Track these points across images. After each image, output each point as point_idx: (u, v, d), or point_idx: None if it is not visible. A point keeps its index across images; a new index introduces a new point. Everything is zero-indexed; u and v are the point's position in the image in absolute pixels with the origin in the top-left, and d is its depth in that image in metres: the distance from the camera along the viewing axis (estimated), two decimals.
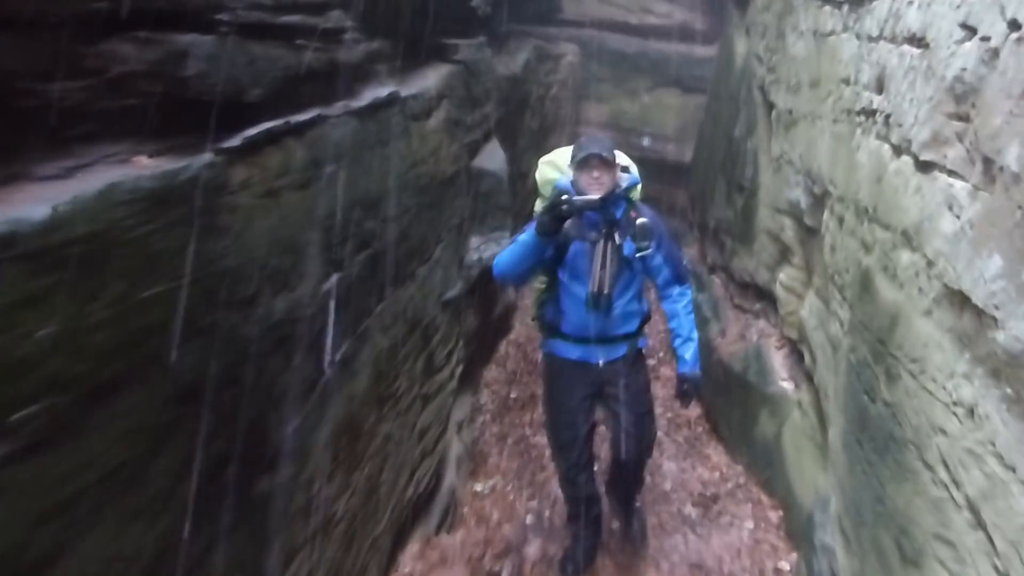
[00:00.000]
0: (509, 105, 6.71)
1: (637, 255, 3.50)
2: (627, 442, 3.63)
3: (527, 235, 3.41)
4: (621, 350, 3.68)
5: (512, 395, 5.78)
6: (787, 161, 4.41)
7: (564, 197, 3.23)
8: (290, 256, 2.43)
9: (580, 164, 3.40)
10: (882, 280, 2.76)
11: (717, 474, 4.47)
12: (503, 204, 5.40)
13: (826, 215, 3.63)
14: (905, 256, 2.55)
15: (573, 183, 3.46)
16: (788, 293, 4.50)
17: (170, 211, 1.79)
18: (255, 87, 2.25)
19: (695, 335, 3.66)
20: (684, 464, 4.45)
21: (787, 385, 4.42)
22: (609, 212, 3.45)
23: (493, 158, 5.46)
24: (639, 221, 3.49)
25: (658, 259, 3.56)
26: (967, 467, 2.01)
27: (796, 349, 4.38)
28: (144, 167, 1.78)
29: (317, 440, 2.55)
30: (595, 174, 3.37)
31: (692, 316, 3.67)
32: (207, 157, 1.99)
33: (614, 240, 3.47)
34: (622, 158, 3.58)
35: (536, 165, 3.77)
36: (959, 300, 2.14)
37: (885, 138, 2.81)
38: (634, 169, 3.63)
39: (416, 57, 4.15)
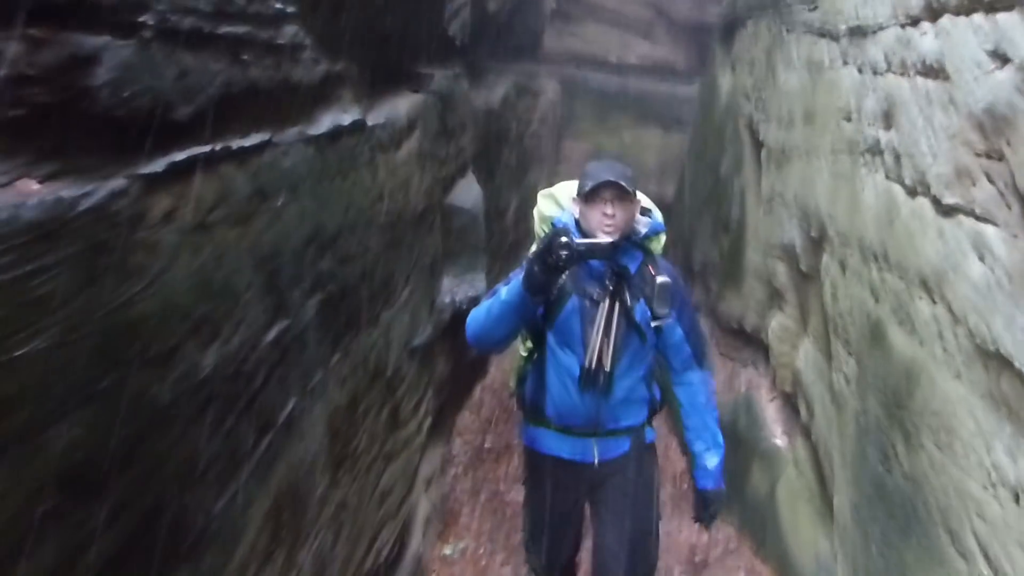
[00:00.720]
0: (486, 140, 6.46)
1: (652, 324, 2.71)
2: (615, 569, 2.84)
3: (511, 288, 2.60)
4: (623, 446, 2.85)
5: (487, 444, 5.42)
6: (780, 201, 4.16)
7: (563, 240, 2.41)
8: (224, 302, 2.10)
9: (589, 195, 2.62)
10: (896, 333, 2.48)
11: (705, 537, 4.13)
12: (478, 243, 5.11)
13: (825, 258, 3.36)
14: (924, 307, 2.27)
15: (578, 222, 2.72)
16: (781, 341, 4.23)
17: (60, 248, 1.46)
18: (185, 104, 1.93)
19: (721, 440, 2.91)
20: (670, 526, 4.11)
21: (780, 441, 4.12)
22: (620, 263, 2.69)
23: (468, 194, 5.18)
24: (659, 280, 2.66)
25: (678, 333, 2.77)
26: (1016, 562, 1.70)
27: (790, 401, 4.09)
28: (30, 193, 1.45)
29: (252, 517, 2.20)
30: (608, 210, 2.60)
31: (716, 413, 2.92)
32: (118, 183, 1.66)
33: (623, 300, 2.68)
34: (644, 199, 2.82)
35: (535, 199, 3.07)
36: (996, 362, 1.85)
37: (897, 177, 2.55)
38: (657, 214, 2.82)
39: (386, 84, 3.87)
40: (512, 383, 3.01)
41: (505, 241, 7.26)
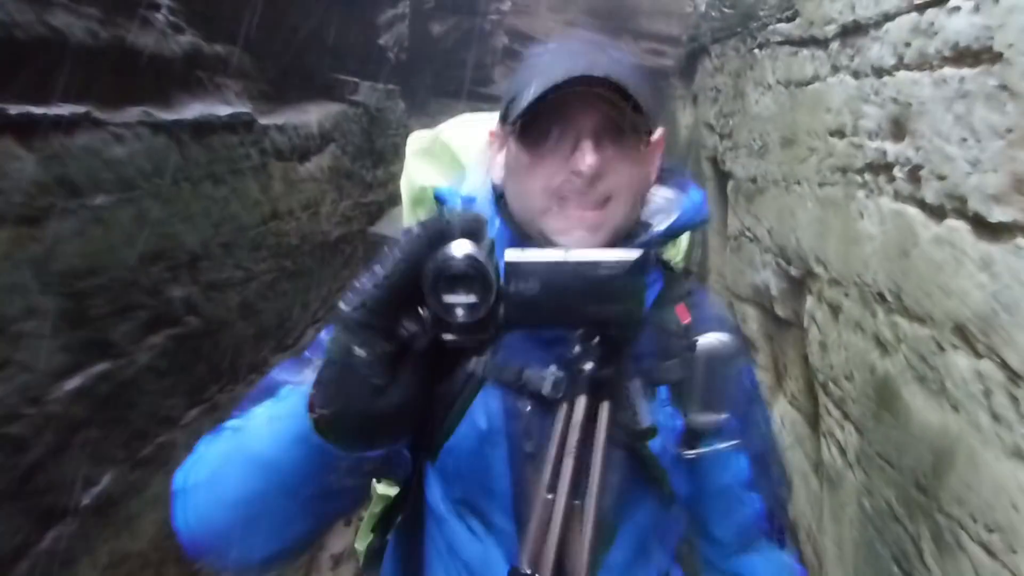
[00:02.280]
0: None
1: (686, 454, 1.03)
2: None
3: (283, 412, 0.81)
4: None
5: None
6: (750, 238, 3.64)
7: (463, 255, 0.69)
8: None
9: (532, 121, 0.97)
10: (916, 394, 1.91)
11: None
12: None
13: (810, 303, 2.82)
14: (961, 362, 1.71)
15: (501, 202, 1.06)
16: None
17: None
18: None
19: None
20: None
21: None
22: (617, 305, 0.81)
23: (400, 225, 4.57)
24: (703, 344, 1.03)
25: (739, 467, 1.09)
26: None
27: None
28: None
29: None
30: (585, 161, 0.95)
31: None
32: None
33: (615, 396, 0.92)
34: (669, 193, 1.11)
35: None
36: None
37: (912, 197, 2.01)
38: (695, 192, 1.10)
39: (294, 86, 3.27)
40: (359, 548, 1.27)
41: None
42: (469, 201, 1.06)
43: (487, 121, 1.14)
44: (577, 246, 0.88)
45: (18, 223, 1.52)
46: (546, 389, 0.96)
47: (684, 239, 1.31)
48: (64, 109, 1.65)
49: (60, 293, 1.64)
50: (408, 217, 1.27)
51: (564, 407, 0.89)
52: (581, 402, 0.87)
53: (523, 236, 1.01)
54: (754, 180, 3.66)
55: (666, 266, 1.17)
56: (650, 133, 1.02)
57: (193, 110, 2.20)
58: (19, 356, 1.53)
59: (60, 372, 1.65)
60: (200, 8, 2.27)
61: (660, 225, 1.04)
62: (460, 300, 0.67)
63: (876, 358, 2.15)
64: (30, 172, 1.55)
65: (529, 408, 0.98)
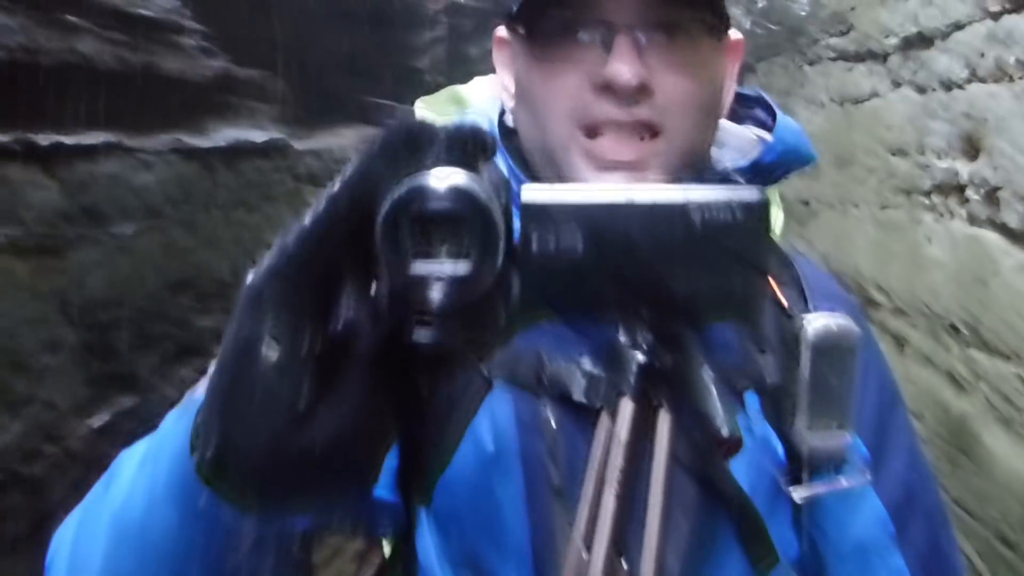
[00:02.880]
0: None
1: (794, 493, 0.63)
2: None
3: (156, 444, 0.50)
4: None
5: None
6: None
7: (451, 185, 0.37)
8: (2, 369, 1.38)
9: (546, 6, 0.65)
10: (1000, 439, 1.75)
11: None
12: None
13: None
14: None
15: (512, 134, 0.73)
16: None
17: None
18: None
19: None
20: None
21: None
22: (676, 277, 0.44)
23: None
24: (812, 329, 0.63)
25: (874, 511, 0.68)
26: None
27: None
28: None
29: None
30: (623, 67, 0.62)
31: None
32: None
33: (685, 401, 0.59)
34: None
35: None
36: None
37: (990, 220, 1.86)
38: (793, 124, 0.73)
39: (330, 109, 3.22)
40: None
41: None
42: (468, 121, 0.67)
43: (488, 82, 0.83)
44: (631, 191, 0.51)
45: (41, 253, 1.45)
46: (578, 393, 0.63)
47: (776, 209, 0.75)
48: (92, 137, 1.59)
49: (84, 325, 1.57)
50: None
51: (605, 418, 0.60)
52: (628, 410, 0.58)
53: (531, 172, 0.70)
54: (806, 203, 3.50)
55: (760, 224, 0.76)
56: (721, 28, 0.67)
57: (225, 136, 2.14)
58: (42, 393, 1.45)
59: (83, 408, 1.58)
60: (232, 32, 2.21)
61: (740, 159, 0.71)
62: (440, 268, 0.36)
63: (950, 396, 1.99)
64: (55, 201, 1.48)
65: (554, 420, 0.64)
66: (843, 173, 3.01)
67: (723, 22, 0.67)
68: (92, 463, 1.60)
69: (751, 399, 0.66)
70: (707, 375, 0.58)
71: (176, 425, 0.46)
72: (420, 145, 0.38)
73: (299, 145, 2.65)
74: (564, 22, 0.64)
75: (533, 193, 0.39)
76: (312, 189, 2.70)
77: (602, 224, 0.39)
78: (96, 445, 1.62)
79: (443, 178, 0.36)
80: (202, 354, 2.01)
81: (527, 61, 0.68)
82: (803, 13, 3.84)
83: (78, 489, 1.56)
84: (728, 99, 0.73)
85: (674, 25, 0.64)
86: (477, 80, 0.85)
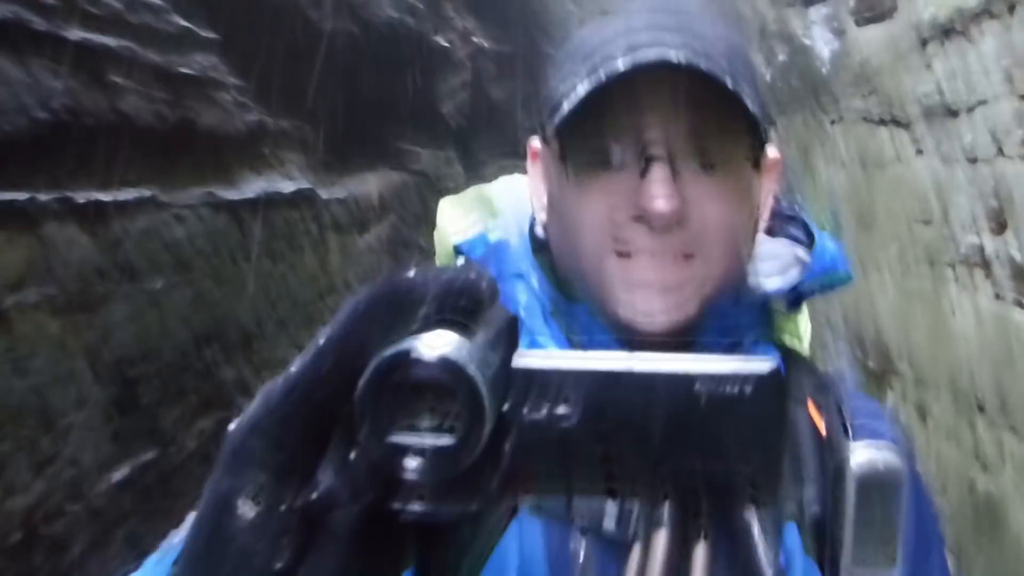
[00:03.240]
0: None
1: None
2: None
3: None
4: None
5: None
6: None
7: (432, 347, 0.34)
8: (29, 429, 1.38)
9: (580, 126, 0.60)
10: None
11: None
12: None
13: (891, 400, 2.63)
14: None
15: (544, 248, 0.68)
16: None
17: None
18: None
19: None
20: None
21: None
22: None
23: None
24: (856, 459, 0.55)
25: None
26: None
27: None
28: None
29: None
30: (659, 194, 0.59)
31: None
32: None
33: (721, 533, 0.53)
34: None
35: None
36: None
37: (1016, 302, 1.85)
38: (831, 245, 0.68)
39: (356, 156, 3.26)
40: None
41: None
42: (499, 250, 0.72)
43: (518, 182, 0.80)
44: (647, 315, 0.59)
45: (73, 311, 1.47)
46: (609, 522, 0.60)
47: (805, 318, 0.79)
48: (129, 194, 1.61)
49: (111, 381, 1.58)
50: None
51: (637, 551, 0.57)
52: (662, 543, 0.56)
53: (570, 299, 0.70)
54: None
55: (785, 350, 0.73)
56: (759, 149, 0.67)
57: (256, 187, 2.17)
58: (67, 450, 1.46)
59: (107, 464, 1.58)
60: (266, 84, 2.25)
61: (778, 280, 0.70)
62: (421, 440, 0.36)
63: (976, 474, 1.97)
64: (90, 258, 1.50)
65: (583, 552, 0.61)
66: (865, 236, 3.01)
67: (763, 142, 0.65)
68: (112, 520, 1.60)
69: (791, 531, 0.63)
70: (748, 510, 0.55)
71: (153, 573, 0.46)
72: (410, 304, 0.37)
73: (325, 193, 2.68)
74: (600, 146, 0.63)
75: (525, 359, 0.38)
76: (336, 236, 2.72)
77: (599, 393, 0.38)
78: (117, 500, 1.62)
79: (430, 345, 0.35)
80: (224, 406, 2.02)
81: (560, 179, 0.67)
82: (824, 71, 3.86)
83: (97, 547, 1.55)
84: (766, 216, 0.71)
85: (713, 148, 0.63)
86: (503, 180, 0.82)
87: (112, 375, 1.59)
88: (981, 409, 1.96)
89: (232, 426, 0.36)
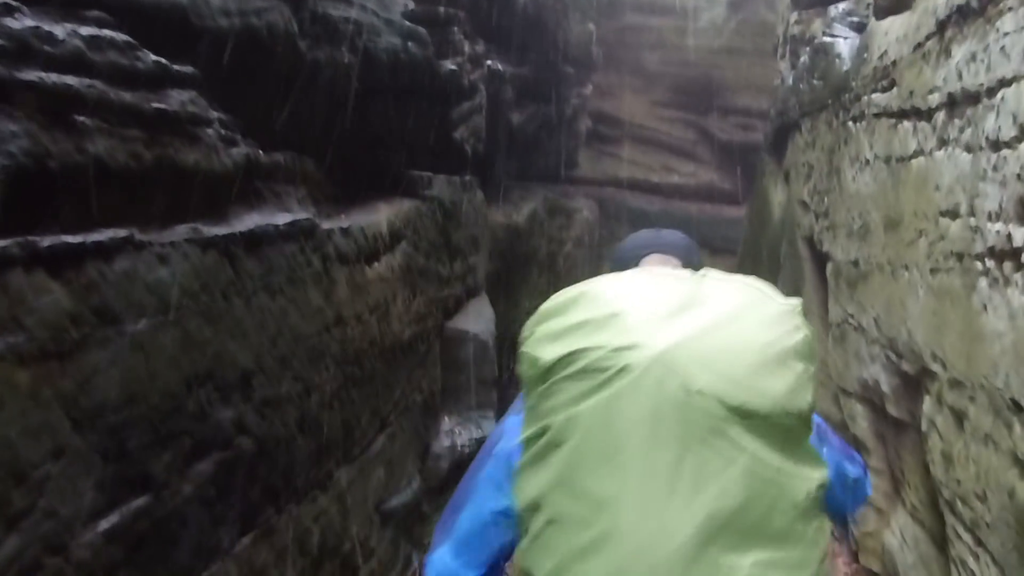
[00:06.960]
0: (507, 259, 5.80)
1: None
2: None
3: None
4: None
5: None
6: (855, 327, 3.31)
7: None
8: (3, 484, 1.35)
9: None
10: None
11: None
12: (488, 374, 4.32)
13: (927, 406, 2.48)
14: None
15: None
16: (864, 505, 3.25)
17: None
18: None
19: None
20: None
21: None
22: None
23: (478, 319, 4.44)
24: None
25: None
26: None
27: None
28: None
29: None
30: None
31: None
32: None
33: None
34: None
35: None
36: None
37: None
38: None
39: (364, 185, 3.23)
40: None
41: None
42: None
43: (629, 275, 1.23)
44: None
45: (44, 359, 1.43)
46: None
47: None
48: (103, 235, 1.59)
49: (93, 428, 1.54)
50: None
51: None
52: None
53: None
54: (856, 263, 3.35)
55: None
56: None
57: (247, 222, 2.14)
58: (42, 502, 1.42)
59: (92, 513, 1.54)
60: (255, 117, 2.23)
61: None
62: None
63: (1015, 479, 1.82)
64: (61, 304, 1.47)
65: None
66: (892, 235, 2.87)
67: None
68: (103, 570, 1.55)
69: None
70: None
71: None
72: None
73: (327, 224, 2.64)
74: None
75: None
76: (342, 267, 2.68)
77: None
78: (106, 550, 1.58)
79: None
80: (223, 447, 1.97)
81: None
82: (844, 69, 3.73)
83: None
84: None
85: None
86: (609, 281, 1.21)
87: (93, 422, 1.55)
88: (1018, 409, 1.81)
89: None
